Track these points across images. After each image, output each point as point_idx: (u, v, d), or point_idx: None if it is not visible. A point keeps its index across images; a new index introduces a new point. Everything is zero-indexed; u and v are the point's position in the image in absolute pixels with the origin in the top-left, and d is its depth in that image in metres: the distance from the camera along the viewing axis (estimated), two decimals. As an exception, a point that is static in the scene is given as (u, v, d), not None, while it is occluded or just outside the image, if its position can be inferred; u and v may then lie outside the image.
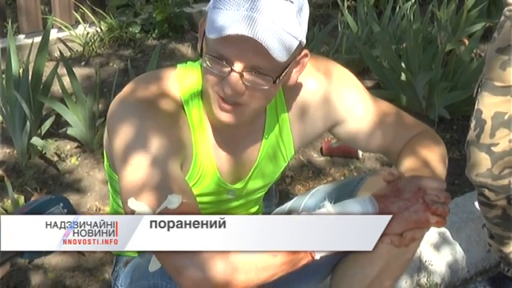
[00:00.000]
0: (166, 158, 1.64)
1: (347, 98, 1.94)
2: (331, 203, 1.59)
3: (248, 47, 1.60)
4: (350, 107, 1.94)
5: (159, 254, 1.59)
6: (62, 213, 1.39)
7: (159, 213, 1.55)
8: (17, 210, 1.42)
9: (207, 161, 1.83)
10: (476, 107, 2.45)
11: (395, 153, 1.95)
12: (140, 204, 1.57)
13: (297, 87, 1.86)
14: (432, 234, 2.87)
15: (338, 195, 1.98)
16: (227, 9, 1.60)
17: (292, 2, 1.63)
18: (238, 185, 1.93)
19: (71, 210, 1.41)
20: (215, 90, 1.69)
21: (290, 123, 1.92)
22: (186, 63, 1.85)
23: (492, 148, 2.42)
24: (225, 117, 1.72)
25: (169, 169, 1.63)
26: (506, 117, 2.38)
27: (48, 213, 1.38)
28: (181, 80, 1.80)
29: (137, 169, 1.62)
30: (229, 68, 1.63)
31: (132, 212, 1.57)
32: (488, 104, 2.41)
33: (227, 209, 1.97)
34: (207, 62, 1.65)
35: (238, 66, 1.63)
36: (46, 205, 1.39)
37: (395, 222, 1.56)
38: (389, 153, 2.00)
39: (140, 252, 2.03)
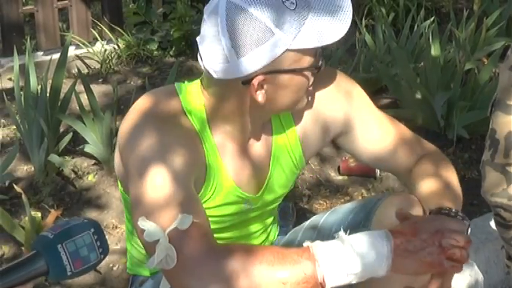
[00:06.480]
0: (178, 177, 1.64)
1: (366, 119, 1.97)
2: (346, 233, 1.58)
3: None
4: (368, 127, 1.97)
5: (168, 275, 1.59)
6: (92, 240, 1.38)
7: (169, 233, 1.55)
8: (48, 229, 1.40)
9: (221, 174, 1.82)
10: (490, 126, 2.42)
11: (406, 171, 1.98)
12: (151, 224, 1.57)
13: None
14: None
15: (356, 215, 1.99)
16: (324, 15, 1.69)
17: None
18: (255, 195, 1.92)
19: (102, 237, 1.40)
20: (300, 95, 1.78)
21: (298, 133, 1.93)
22: (183, 82, 1.86)
23: (507, 168, 2.38)
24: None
25: (182, 188, 1.63)
26: None
27: (79, 238, 1.37)
28: (184, 97, 1.80)
29: (149, 188, 1.62)
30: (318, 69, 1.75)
31: (142, 231, 1.57)
32: (502, 123, 2.38)
33: (244, 220, 1.96)
34: (309, 78, 1.74)
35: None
36: (77, 229, 1.38)
37: (409, 261, 1.56)
38: (400, 172, 2.02)
39: (152, 274, 2.02)
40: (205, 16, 1.71)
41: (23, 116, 3.47)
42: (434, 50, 3.94)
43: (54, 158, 3.33)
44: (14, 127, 3.73)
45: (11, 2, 4.55)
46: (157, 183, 1.62)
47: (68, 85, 3.71)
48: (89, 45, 4.76)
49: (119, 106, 3.76)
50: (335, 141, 2.01)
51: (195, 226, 1.57)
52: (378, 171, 3.51)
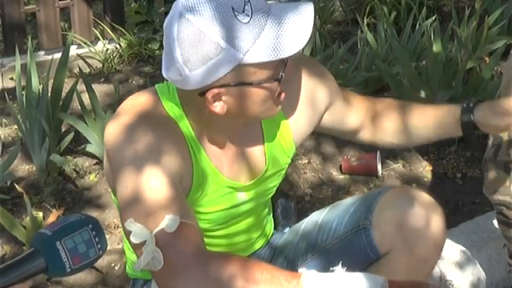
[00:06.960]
0: (164, 178, 1.63)
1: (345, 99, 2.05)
2: (343, 269, 1.57)
3: None
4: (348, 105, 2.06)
5: (155, 277, 1.59)
6: (90, 236, 1.38)
7: (156, 235, 1.55)
8: (46, 227, 1.40)
9: (210, 171, 1.81)
10: None
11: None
12: (138, 225, 1.57)
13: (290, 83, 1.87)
14: (453, 254, 2.83)
15: (356, 209, 2.01)
16: (287, 24, 1.64)
17: None
18: (248, 183, 1.91)
19: (100, 233, 1.40)
20: (266, 106, 1.73)
21: (288, 120, 1.92)
22: (164, 82, 1.85)
23: (510, 165, 2.39)
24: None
25: (168, 189, 1.63)
26: None
27: (77, 234, 1.37)
28: (165, 100, 1.79)
29: (135, 190, 1.62)
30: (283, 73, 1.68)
31: (129, 233, 1.57)
32: None
33: (240, 213, 1.95)
34: (272, 89, 1.69)
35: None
36: (75, 226, 1.38)
37: None
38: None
39: (147, 281, 2.02)
40: (164, 28, 1.70)
41: (25, 115, 3.47)
42: (436, 49, 3.93)
43: (55, 157, 3.33)
44: (16, 127, 3.73)
45: (12, 2, 4.55)
46: (148, 185, 1.62)
47: (69, 85, 3.72)
48: (90, 44, 4.75)
49: (121, 105, 3.75)
50: (322, 123, 2.03)
51: (184, 228, 1.57)
52: (379, 170, 3.51)
